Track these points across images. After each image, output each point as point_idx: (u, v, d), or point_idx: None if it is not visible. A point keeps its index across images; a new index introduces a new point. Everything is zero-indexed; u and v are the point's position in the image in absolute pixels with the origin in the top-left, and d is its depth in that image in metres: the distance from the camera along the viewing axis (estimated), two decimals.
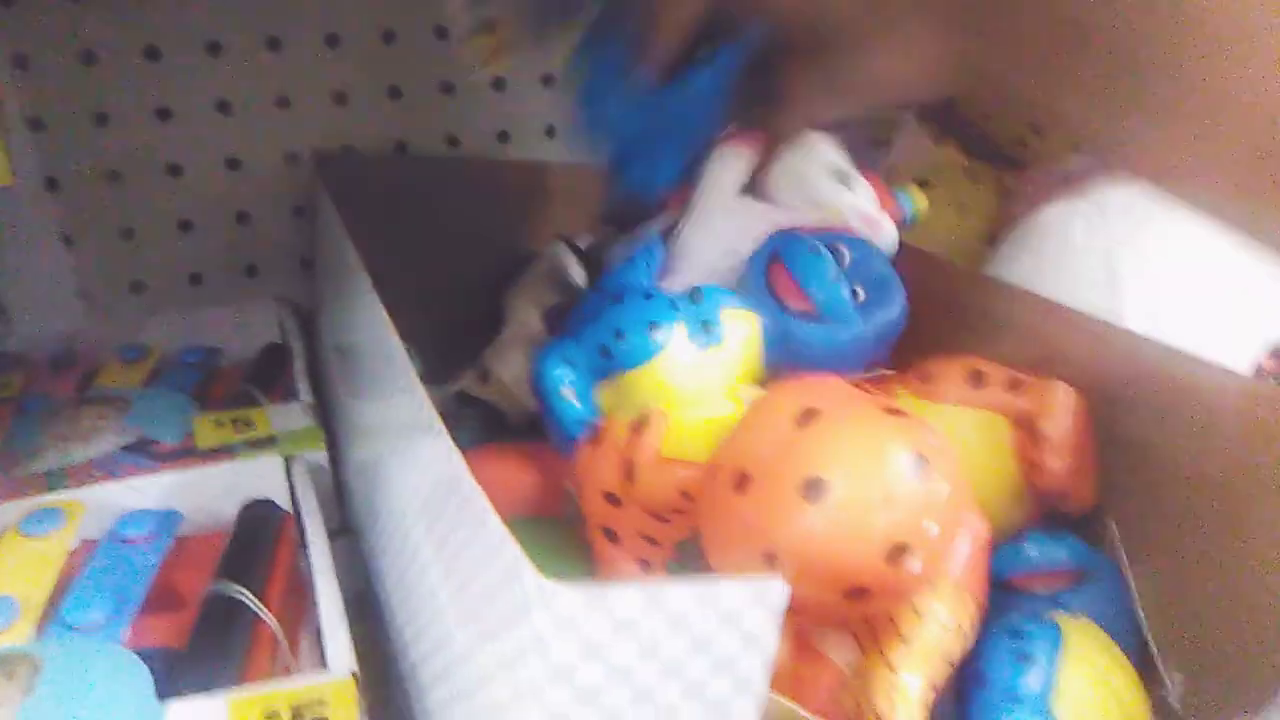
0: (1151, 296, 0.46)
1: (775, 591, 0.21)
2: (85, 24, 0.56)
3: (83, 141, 0.59)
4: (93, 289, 0.62)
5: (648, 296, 0.40)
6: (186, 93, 0.60)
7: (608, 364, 0.39)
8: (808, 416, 0.28)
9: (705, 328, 0.39)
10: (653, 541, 0.34)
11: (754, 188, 0.46)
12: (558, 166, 0.66)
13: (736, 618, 0.21)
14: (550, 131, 0.69)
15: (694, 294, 0.40)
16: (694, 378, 0.37)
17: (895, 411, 0.29)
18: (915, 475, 0.27)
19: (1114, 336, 0.41)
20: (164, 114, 0.60)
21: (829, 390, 0.30)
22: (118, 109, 0.59)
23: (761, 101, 0.41)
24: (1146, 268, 0.46)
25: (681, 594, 0.20)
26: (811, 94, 0.39)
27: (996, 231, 0.60)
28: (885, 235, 0.44)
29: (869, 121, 0.60)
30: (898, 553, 0.27)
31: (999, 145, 0.62)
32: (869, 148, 0.58)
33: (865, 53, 0.36)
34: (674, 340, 0.38)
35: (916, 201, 0.46)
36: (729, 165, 0.46)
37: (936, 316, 0.42)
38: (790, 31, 0.38)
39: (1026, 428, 0.38)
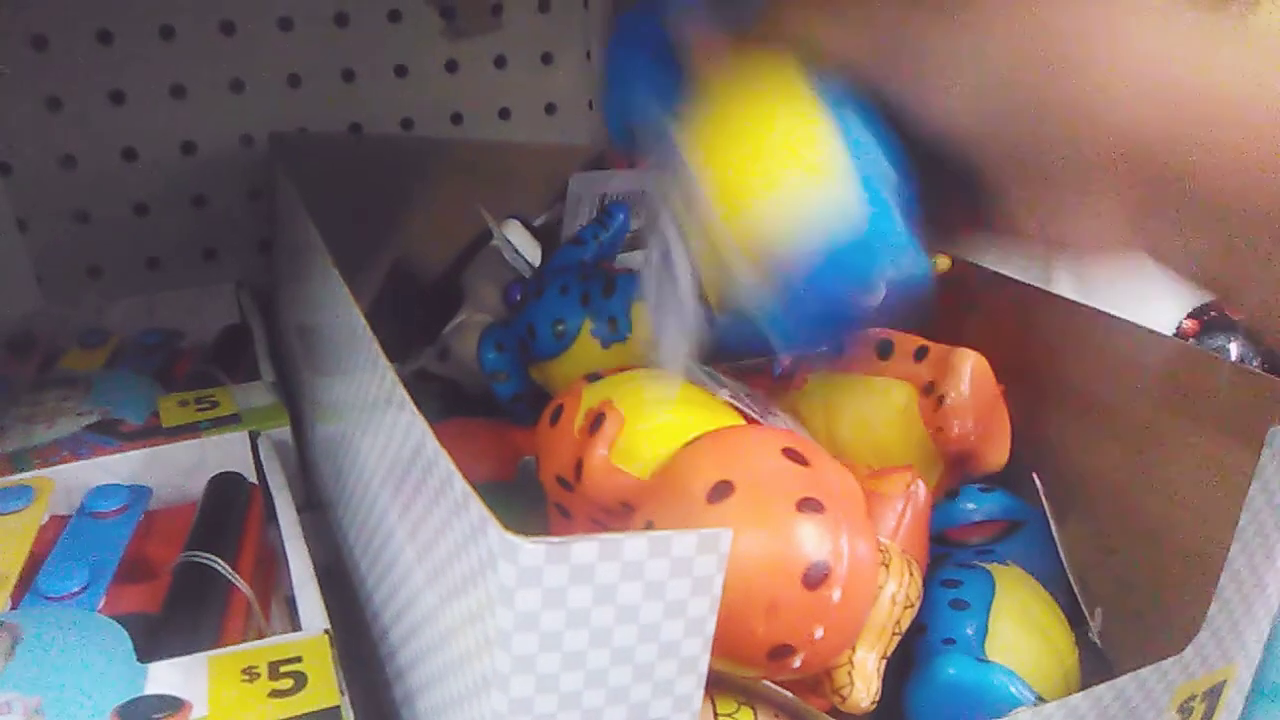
0: (1081, 268, 0.48)
1: (721, 540, 0.23)
2: (36, 9, 0.57)
3: (36, 126, 0.59)
4: (49, 274, 0.62)
5: (563, 290, 0.43)
6: (140, 76, 0.60)
7: (529, 353, 0.42)
8: (719, 492, 0.28)
9: (612, 324, 0.41)
10: (603, 527, 0.36)
11: None
12: (511, 147, 0.67)
13: (686, 565, 0.23)
14: (504, 113, 0.70)
15: (607, 287, 0.42)
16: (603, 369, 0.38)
17: (808, 503, 0.28)
18: (807, 585, 0.27)
19: (1047, 303, 0.44)
20: (117, 98, 0.60)
21: (750, 456, 0.30)
22: (70, 93, 0.59)
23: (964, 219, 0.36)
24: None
25: (635, 544, 0.22)
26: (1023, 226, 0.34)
27: None
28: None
29: None
30: (780, 652, 0.28)
31: None
32: None
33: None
34: (580, 337, 0.41)
35: (939, 262, 0.46)
36: None
37: None
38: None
39: (930, 394, 0.40)
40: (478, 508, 0.23)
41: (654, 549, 0.22)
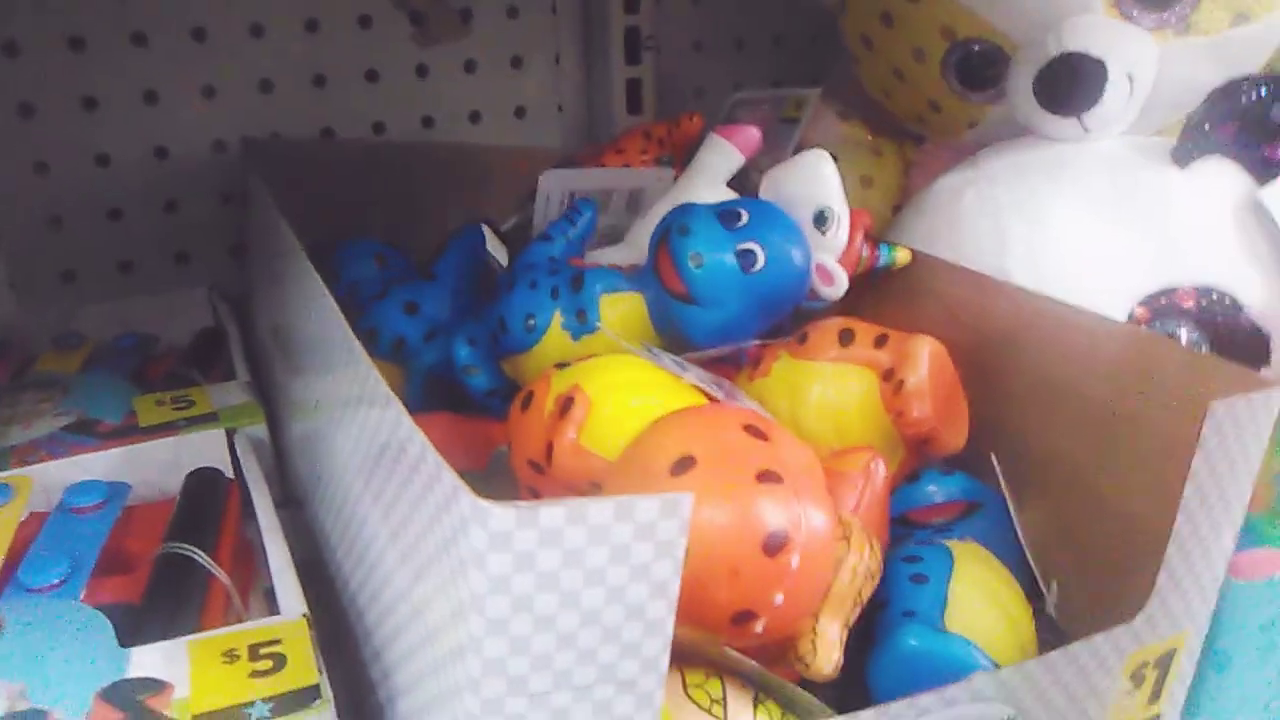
0: (1036, 256, 0.50)
1: (682, 505, 0.24)
2: (7, 15, 0.57)
3: (8, 133, 0.59)
4: (23, 279, 0.63)
5: (532, 285, 0.44)
6: (112, 83, 0.61)
7: (500, 347, 0.43)
8: (682, 465, 0.29)
9: (580, 316, 0.42)
10: None
11: (740, 177, 0.48)
12: (482, 150, 0.68)
13: (650, 529, 0.24)
14: (474, 116, 0.71)
15: (575, 281, 0.43)
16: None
17: (767, 475, 0.29)
18: (767, 552, 0.28)
19: (1002, 291, 0.45)
20: (90, 104, 0.61)
21: (712, 431, 0.31)
22: (43, 100, 0.60)
23: None
24: (1031, 231, 0.50)
25: (600, 508, 0.23)
26: None
27: (900, 201, 0.63)
28: (835, 288, 0.44)
29: (779, 99, 0.63)
30: (743, 617, 0.29)
31: (901, 121, 0.65)
32: (779, 124, 0.61)
33: None
34: (550, 331, 0.42)
35: (898, 257, 0.48)
36: (718, 155, 0.49)
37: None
38: None
39: (889, 379, 0.41)
40: (450, 477, 0.24)
41: (619, 513, 0.23)
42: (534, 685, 0.25)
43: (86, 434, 0.48)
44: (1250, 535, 0.41)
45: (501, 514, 0.23)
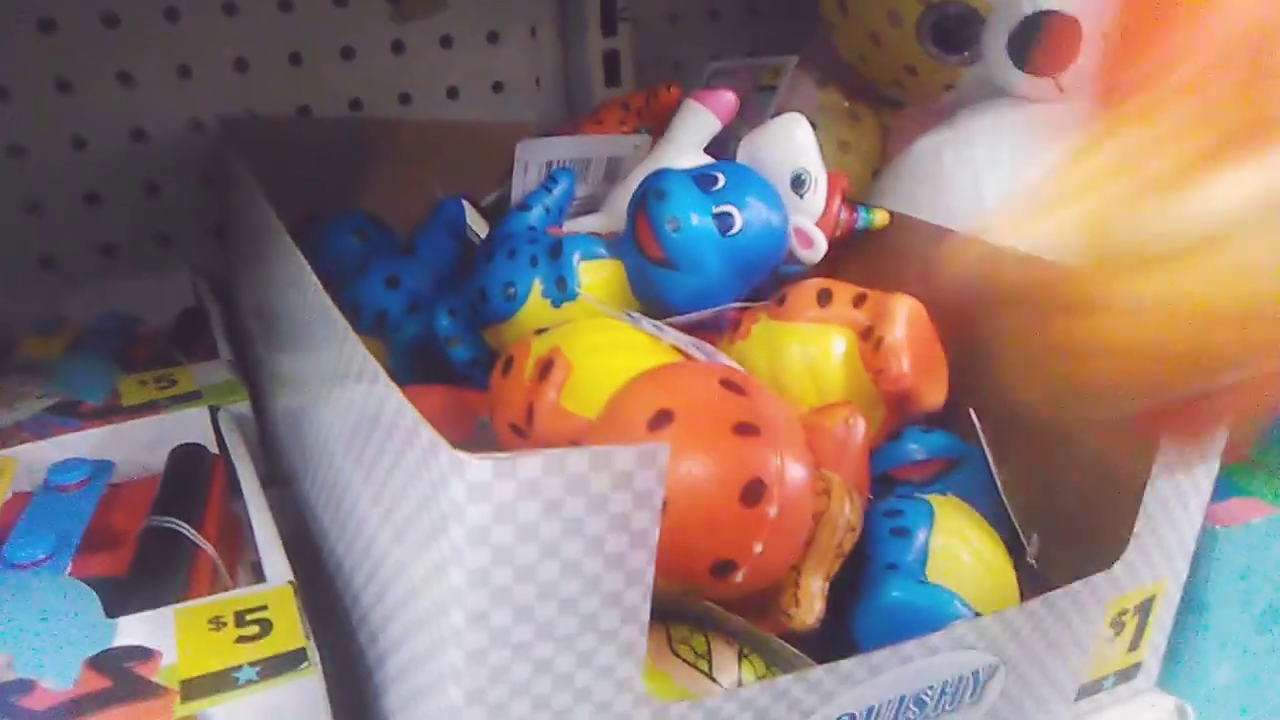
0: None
1: (659, 455, 0.24)
2: None
3: None
4: (2, 266, 0.62)
5: (511, 254, 0.44)
6: (86, 65, 0.60)
7: (480, 316, 0.43)
8: (660, 419, 0.30)
9: (560, 284, 0.42)
10: None
11: (719, 146, 0.48)
12: (460, 125, 0.68)
13: (627, 479, 0.24)
14: (451, 92, 0.71)
15: (554, 249, 0.43)
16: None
17: (744, 427, 0.29)
18: (745, 502, 0.29)
19: (980, 248, 0.45)
20: (64, 86, 0.60)
21: (689, 386, 0.31)
22: (16, 83, 0.59)
23: None
24: (1008, 190, 0.51)
25: (577, 458, 0.23)
26: None
27: (879, 166, 0.64)
28: (813, 251, 0.44)
29: (756, 68, 0.63)
30: (723, 568, 0.29)
31: (878, 86, 0.66)
32: (756, 93, 0.61)
33: None
34: (530, 298, 0.42)
35: (875, 218, 0.48)
36: (695, 120, 0.49)
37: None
38: None
39: (868, 337, 0.41)
40: (427, 432, 0.24)
41: (595, 463, 0.24)
42: (516, 636, 0.25)
43: (70, 415, 0.48)
44: (1229, 486, 0.41)
45: (479, 466, 0.23)
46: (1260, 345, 0.23)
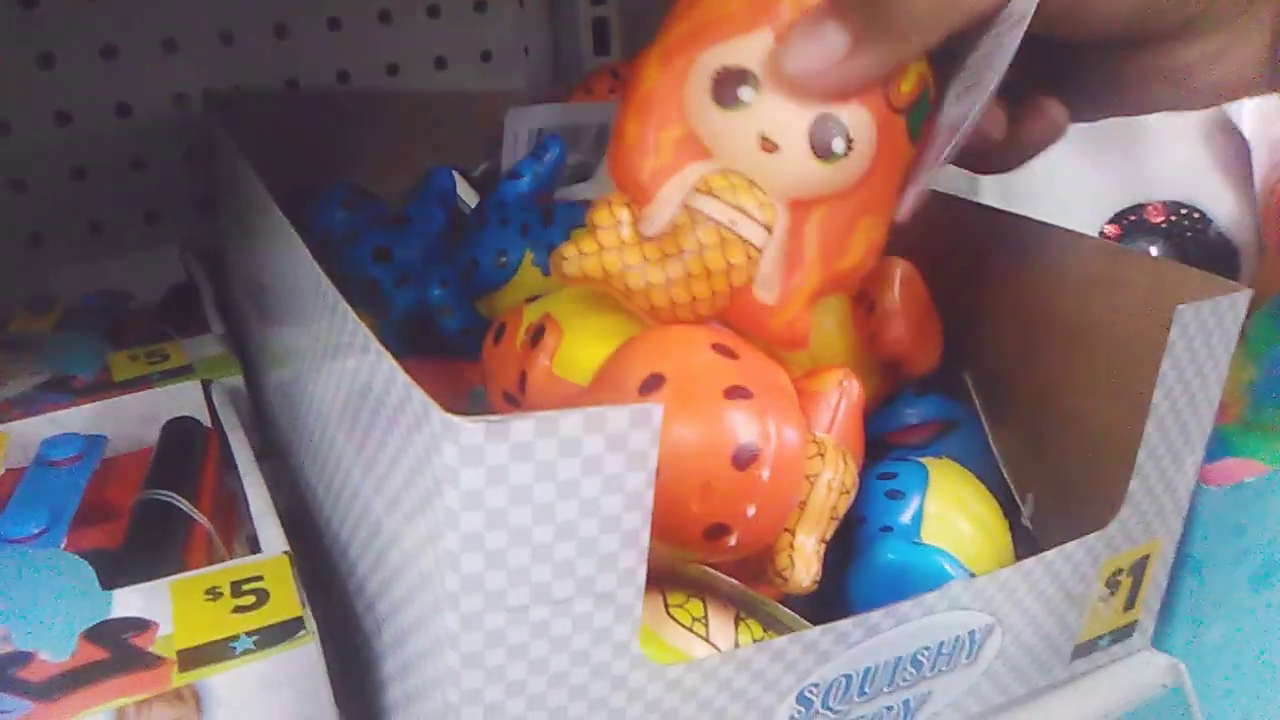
0: (1005, 176, 0.50)
1: (653, 415, 0.24)
2: None
3: None
4: None
5: (503, 222, 0.44)
6: (69, 39, 0.60)
7: (472, 285, 0.43)
8: (651, 384, 0.29)
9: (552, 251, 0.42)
10: None
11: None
12: (448, 96, 0.67)
13: (621, 440, 0.24)
14: (439, 63, 0.71)
15: (545, 216, 0.43)
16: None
17: (736, 391, 0.29)
18: (737, 465, 0.28)
19: (973, 213, 0.45)
20: (47, 61, 0.60)
21: (679, 350, 0.31)
22: None
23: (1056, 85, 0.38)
24: None
25: (570, 420, 0.23)
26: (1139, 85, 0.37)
27: None
28: None
29: None
30: (716, 531, 0.29)
31: None
32: None
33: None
34: (522, 267, 0.42)
35: None
36: None
37: None
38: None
39: (862, 302, 0.41)
40: (419, 396, 0.24)
41: (589, 425, 0.23)
42: (512, 600, 0.25)
43: (61, 391, 0.48)
44: (1222, 446, 0.41)
45: (472, 428, 0.23)
46: None
